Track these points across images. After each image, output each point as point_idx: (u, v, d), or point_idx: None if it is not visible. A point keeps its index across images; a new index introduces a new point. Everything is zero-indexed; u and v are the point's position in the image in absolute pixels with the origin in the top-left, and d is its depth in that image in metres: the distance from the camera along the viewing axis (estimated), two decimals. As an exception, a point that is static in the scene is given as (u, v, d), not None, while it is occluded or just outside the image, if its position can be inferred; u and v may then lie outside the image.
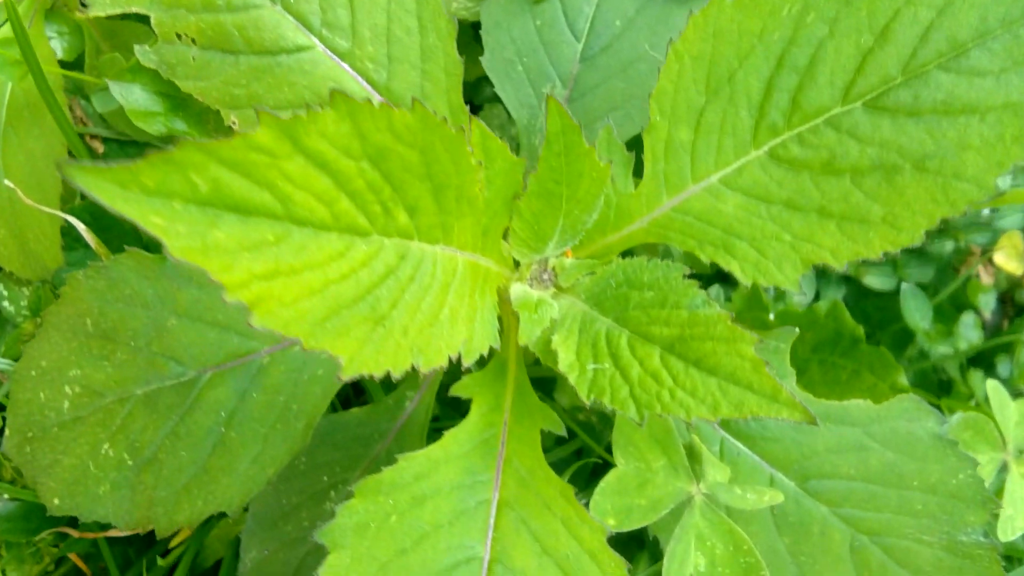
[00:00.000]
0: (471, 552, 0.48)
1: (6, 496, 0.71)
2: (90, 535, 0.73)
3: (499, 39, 0.69)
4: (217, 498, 0.57)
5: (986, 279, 1.11)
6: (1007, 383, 0.90)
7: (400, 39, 0.53)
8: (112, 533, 0.75)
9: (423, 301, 0.44)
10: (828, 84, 0.47)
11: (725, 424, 0.57)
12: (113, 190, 0.31)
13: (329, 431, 0.70)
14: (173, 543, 0.78)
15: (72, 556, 0.78)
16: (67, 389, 0.61)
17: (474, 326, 0.47)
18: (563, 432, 0.52)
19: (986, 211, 0.98)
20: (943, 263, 1.04)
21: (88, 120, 0.75)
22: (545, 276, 0.53)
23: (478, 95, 0.89)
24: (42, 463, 0.63)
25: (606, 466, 0.53)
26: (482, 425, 0.52)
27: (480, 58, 0.69)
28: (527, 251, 0.51)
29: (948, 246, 1.01)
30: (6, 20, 0.62)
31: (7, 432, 0.65)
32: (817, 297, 0.95)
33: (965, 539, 0.58)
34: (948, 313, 1.02)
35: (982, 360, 1.05)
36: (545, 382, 0.79)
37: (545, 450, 0.65)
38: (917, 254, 1.04)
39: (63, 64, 0.70)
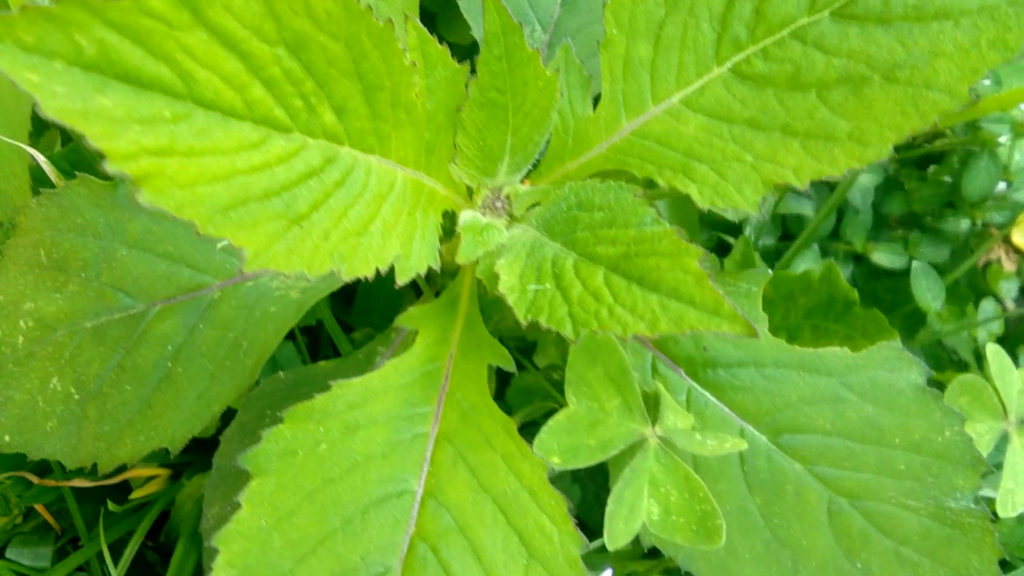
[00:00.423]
0: (404, 485, 0.45)
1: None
2: (51, 482, 0.72)
3: (477, -19, 0.67)
4: (160, 434, 0.55)
5: (1008, 266, 1.05)
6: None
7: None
8: (76, 483, 0.74)
9: (351, 209, 0.41)
10: (793, -8, 0.43)
11: (693, 373, 0.54)
12: (-18, 41, 0.29)
13: (296, 384, 0.67)
14: (139, 495, 0.77)
15: (39, 508, 0.76)
16: (21, 323, 0.60)
17: (412, 245, 0.44)
18: (513, 368, 0.49)
19: (1002, 185, 0.92)
20: (959, 244, 0.99)
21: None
22: (498, 204, 0.51)
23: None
24: (-3, 401, 0.61)
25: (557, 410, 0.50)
26: (426, 357, 0.49)
27: (459, 1, 0.67)
28: (477, 174, 0.49)
29: (964, 224, 0.96)
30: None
31: (-31, 373, 0.64)
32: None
33: (954, 505, 0.53)
34: (963, 295, 0.97)
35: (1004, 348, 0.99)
36: (525, 351, 0.77)
37: (513, 410, 0.62)
38: (931, 233, 0.99)
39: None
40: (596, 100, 0.50)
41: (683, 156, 0.47)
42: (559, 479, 0.77)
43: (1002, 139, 0.94)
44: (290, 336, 0.81)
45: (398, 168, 0.45)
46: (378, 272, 0.89)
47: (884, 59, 0.42)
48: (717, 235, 0.87)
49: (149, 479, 0.79)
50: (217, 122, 0.36)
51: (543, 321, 0.41)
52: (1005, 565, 0.75)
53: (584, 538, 0.43)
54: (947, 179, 0.98)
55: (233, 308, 0.57)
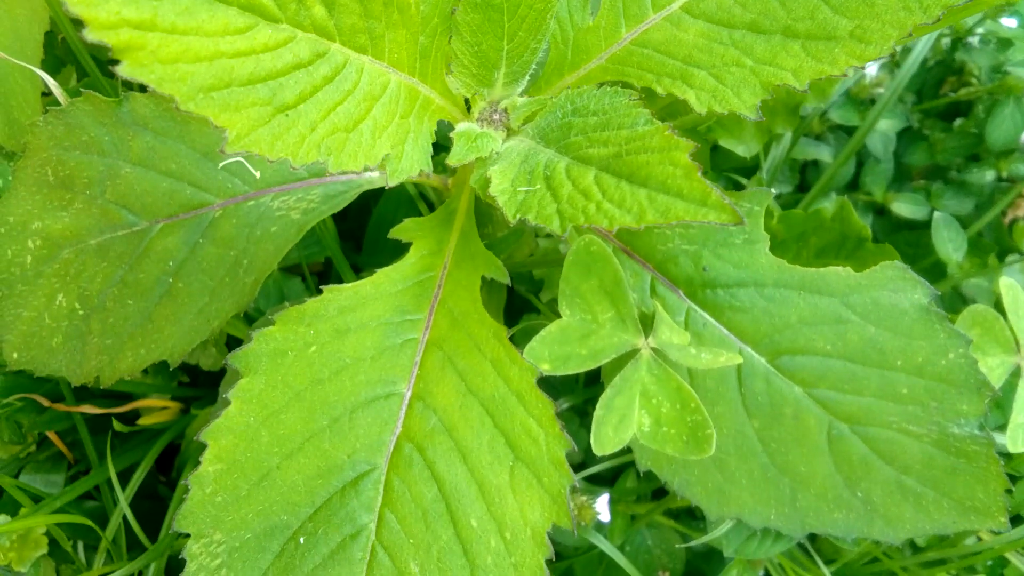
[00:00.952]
0: (392, 388, 0.45)
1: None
2: (61, 407, 0.73)
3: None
4: (160, 347, 0.56)
5: (1035, 223, 1.03)
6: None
7: None
8: (86, 408, 0.75)
9: (341, 106, 0.41)
10: None
11: (692, 294, 0.53)
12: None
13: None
14: (150, 421, 0.78)
15: (52, 436, 0.78)
16: (30, 243, 0.61)
17: (404, 147, 0.44)
18: (507, 279, 0.49)
19: (1027, 133, 0.90)
20: (983, 196, 0.96)
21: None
22: (496, 117, 0.50)
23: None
24: (6, 319, 0.62)
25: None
26: (420, 267, 0.49)
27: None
28: (474, 83, 0.48)
29: (988, 176, 0.94)
30: None
31: (-21, 295, 0.65)
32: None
33: (958, 432, 0.52)
34: (986, 248, 0.94)
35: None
36: (535, 291, 0.76)
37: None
38: (955, 185, 0.96)
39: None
40: (595, 11, 0.50)
41: (682, 63, 0.46)
42: (568, 422, 0.77)
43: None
44: (299, 274, 0.82)
45: (392, 71, 0.45)
46: (386, 215, 0.88)
47: (888, -47, 0.40)
48: (730, 176, 0.85)
49: (160, 411, 0.80)
50: (201, 3, 0.36)
51: (531, 219, 0.41)
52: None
53: (571, 440, 0.43)
54: (972, 130, 0.95)
55: (234, 227, 0.57)
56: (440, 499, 0.43)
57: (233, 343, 0.79)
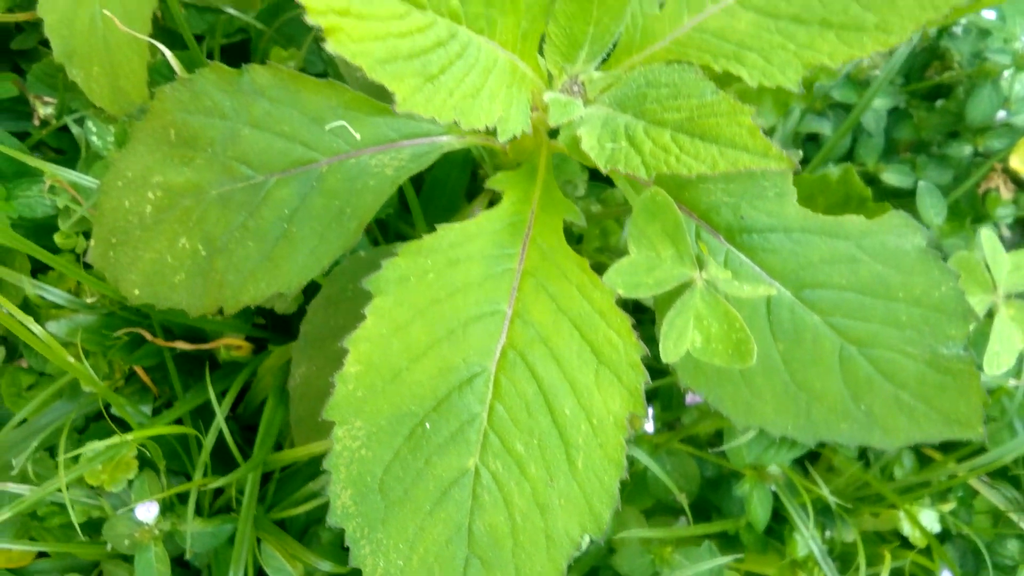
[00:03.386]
0: (496, 307, 0.56)
1: (89, 300, 0.81)
2: (162, 342, 0.82)
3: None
4: (279, 280, 0.65)
5: (1006, 193, 1.15)
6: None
7: None
8: (179, 344, 0.85)
9: (467, 76, 0.51)
10: (834, -94, 0.53)
11: (730, 237, 0.64)
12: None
13: (371, 260, 0.78)
14: (229, 357, 0.87)
15: (139, 370, 0.87)
16: (149, 194, 0.70)
17: (510, 110, 0.54)
18: (582, 222, 0.59)
19: (1002, 113, 1.02)
20: (961, 168, 1.08)
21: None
22: (575, 88, 0.60)
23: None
24: (124, 262, 0.71)
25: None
26: (512, 211, 0.59)
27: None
28: (560, 59, 0.58)
29: (966, 150, 1.06)
30: None
31: (92, 241, 0.74)
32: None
33: (946, 352, 0.64)
34: (963, 213, 1.07)
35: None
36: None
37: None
38: (936, 158, 1.08)
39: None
40: (663, 2, 0.60)
41: (736, 47, 0.56)
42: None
43: (1005, 75, 1.03)
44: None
45: (500, 50, 0.54)
46: (438, 178, 0.98)
47: (906, -39, 0.51)
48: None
49: (236, 350, 0.90)
50: (376, -7, 0.45)
51: (621, 168, 0.51)
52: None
53: (644, 347, 0.54)
54: (953, 110, 1.07)
55: (338, 180, 0.67)
56: (539, 394, 0.54)
57: (310, 289, 0.88)
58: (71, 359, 0.72)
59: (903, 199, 1.08)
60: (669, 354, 0.56)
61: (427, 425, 0.53)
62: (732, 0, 0.56)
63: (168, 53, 0.71)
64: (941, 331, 0.62)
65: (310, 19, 0.42)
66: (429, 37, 0.49)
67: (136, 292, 0.71)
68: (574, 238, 0.77)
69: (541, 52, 0.59)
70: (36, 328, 0.70)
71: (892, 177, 1.04)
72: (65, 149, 0.92)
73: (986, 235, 0.71)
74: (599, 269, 0.58)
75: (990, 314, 0.72)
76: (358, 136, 0.67)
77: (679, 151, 0.50)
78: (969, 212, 1.06)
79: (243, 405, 0.95)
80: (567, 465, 0.52)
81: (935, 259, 0.61)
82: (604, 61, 0.61)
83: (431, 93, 0.48)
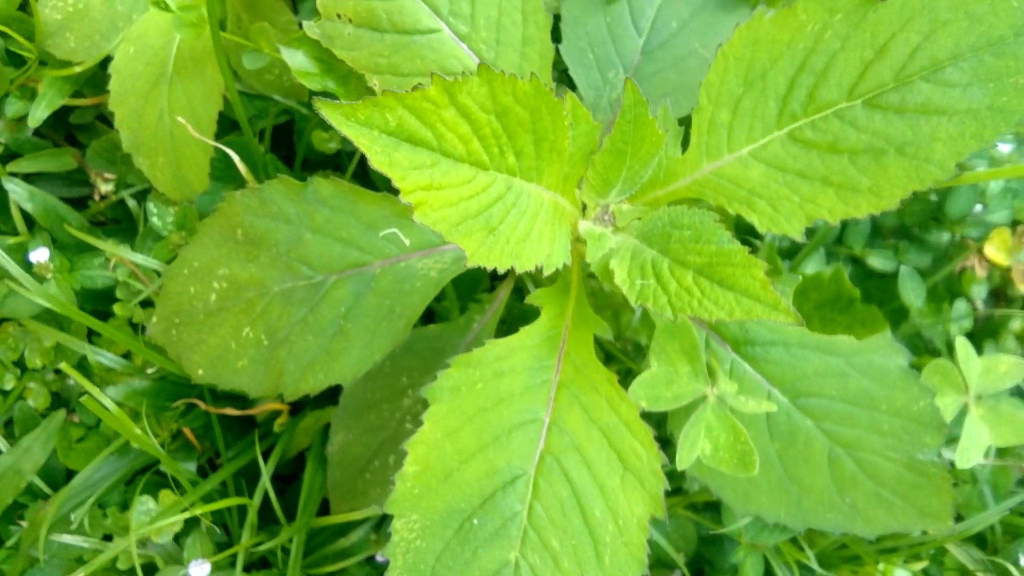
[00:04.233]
0: (535, 415, 0.64)
1: (150, 371, 0.88)
2: (213, 409, 0.90)
3: (575, 31, 0.84)
4: (335, 373, 0.73)
5: (980, 272, 1.25)
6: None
7: (507, 28, 0.68)
8: (228, 411, 0.92)
9: (520, 222, 0.59)
10: (837, 85, 0.61)
11: (736, 348, 0.72)
12: (340, 119, 0.47)
13: (411, 341, 0.86)
14: (275, 417, 0.95)
15: (186, 431, 0.94)
16: (215, 284, 0.78)
17: (553, 246, 0.63)
18: (610, 335, 0.68)
19: (979, 207, 1.11)
20: (940, 253, 1.18)
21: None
22: (606, 218, 0.69)
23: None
24: (188, 343, 0.79)
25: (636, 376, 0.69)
26: (549, 326, 0.67)
27: (558, 46, 0.84)
28: (595, 195, 0.66)
29: (944, 237, 1.15)
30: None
31: (155, 319, 0.81)
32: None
33: (922, 458, 0.73)
34: (941, 296, 1.16)
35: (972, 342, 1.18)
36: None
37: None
38: (917, 243, 1.18)
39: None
40: (684, 144, 0.68)
41: (748, 193, 0.65)
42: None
43: (979, 169, 1.13)
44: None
45: (545, 192, 0.63)
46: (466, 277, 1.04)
47: (898, 138, 0.60)
48: (744, 237, 1.05)
49: (276, 413, 0.97)
50: (452, 165, 0.54)
51: (649, 305, 0.59)
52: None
53: (665, 456, 0.62)
54: (933, 198, 1.17)
55: (390, 282, 0.75)
56: (572, 496, 0.62)
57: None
58: (136, 429, 0.79)
59: (887, 279, 1.17)
60: (683, 461, 0.64)
61: (475, 521, 0.61)
62: (746, 151, 0.65)
63: (237, 159, 0.79)
64: (918, 439, 0.71)
65: (403, 199, 0.50)
66: (491, 194, 0.57)
67: (200, 372, 0.78)
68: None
69: (579, 185, 0.67)
70: (99, 394, 0.77)
71: (877, 261, 1.13)
72: (120, 219, 0.99)
73: (960, 342, 0.80)
74: (609, 359, 0.66)
75: (962, 413, 0.81)
76: (407, 242, 0.75)
77: (701, 295, 0.58)
78: (946, 295, 1.15)
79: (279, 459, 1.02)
80: (596, 560, 0.60)
81: (915, 377, 0.70)
82: (633, 193, 0.70)
83: (491, 244, 0.56)
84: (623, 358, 0.81)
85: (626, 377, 0.80)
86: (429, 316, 1.01)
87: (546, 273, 0.62)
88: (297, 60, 0.68)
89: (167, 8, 0.73)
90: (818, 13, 0.60)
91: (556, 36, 0.87)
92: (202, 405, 0.87)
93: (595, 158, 0.63)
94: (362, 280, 0.75)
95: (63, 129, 1.06)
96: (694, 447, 0.65)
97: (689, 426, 0.65)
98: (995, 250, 1.14)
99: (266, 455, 1.01)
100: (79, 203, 1.02)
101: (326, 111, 0.46)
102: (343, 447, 0.88)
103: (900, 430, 0.71)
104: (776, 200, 0.64)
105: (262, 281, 0.76)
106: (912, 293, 1.12)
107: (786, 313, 0.55)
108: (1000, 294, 1.32)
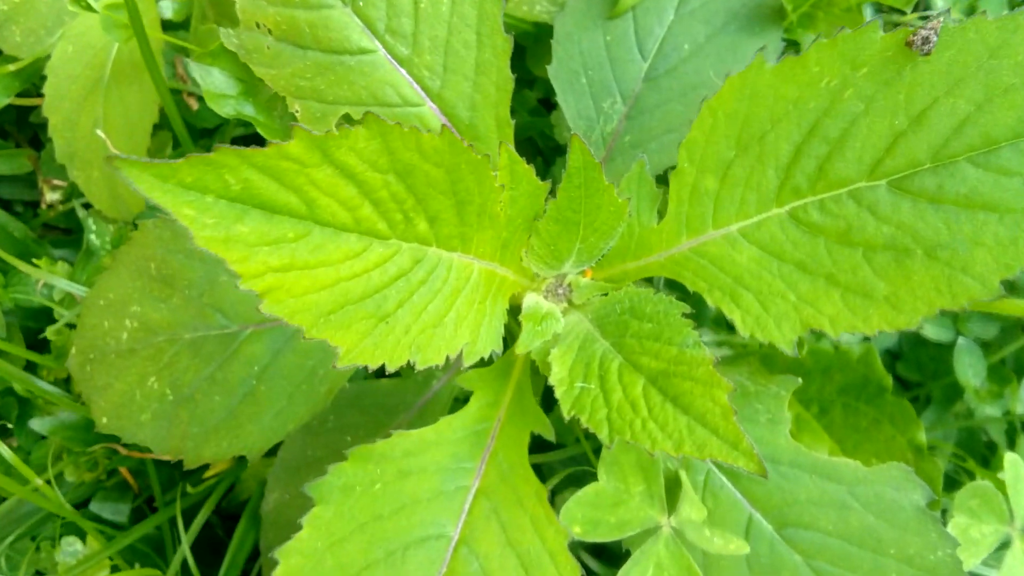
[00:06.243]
0: (442, 530, 0.52)
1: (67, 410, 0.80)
2: (136, 454, 0.81)
3: (568, 50, 0.71)
4: (241, 442, 0.63)
5: (1054, 349, 1.07)
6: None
7: (457, 51, 0.56)
8: (159, 456, 0.83)
9: (430, 304, 0.47)
10: (856, 158, 0.47)
11: (715, 459, 0.59)
12: (152, 182, 0.36)
13: (358, 396, 0.75)
14: (211, 473, 0.86)
15: (122, 470, 0.86)
16: (127, 322, 0.68)
17: (480, 331, 0.50)
18: (552, 438, 0.55)
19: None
20: (1010, 322, 1.00)
21: (188, 78, 0.81)
22: (560, 291, 0.56)
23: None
24: (97, 384, 0.70)
25: (594, 476, 0.56)
26: (477, 417, 0.55)
27: (547, 67, 0.71)
28: (544, 267, 0.54)
29: (1015, 308, 0.98)
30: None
31: (73, 351, 0.73)
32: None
33: (937, 617, 0.58)
34: (1005, 376, 0.99)
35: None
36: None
37: (541, 450, 0.68)
38: (982, 309, 1.01)
39: (171, 24, 0.76)
40: (661, 213, 0.55)
41: (733, 281, 0.51)
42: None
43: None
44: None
45: (476, 261, 0.51)
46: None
47: (929, 236, 0.46)
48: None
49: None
50: (329, 236, 0.42)
51: (584, 420, 0.47)
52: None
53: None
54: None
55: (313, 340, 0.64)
56: (475, 643, 0.50)
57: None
58: (39, 481, 0.71)
59: (942, 348, 1.01)
60: (621, 607, 0.52)
61: (350, 663, 0.50)
62: (735, 228, 0.52)
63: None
64: (934, 595, 0.57)
65: (243, 286, 0.38)
66: (388, 271, 0.45)
67: (104, 421, 0.69)
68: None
69: (526, 254, 0.55)
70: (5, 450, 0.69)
71: (931, 331, 0.97)
72: (72, 228, 0.91)
73: (1011, 459, 0.65)
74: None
75: (1004, 546, 0.66)
76: (339, 294, 0.64)
77: (647, 414, 0.45)
78: (1011, 376, 0.98)
79: (224, 500, 0.93)
80: None
81: (933, 521, 0.56)
82: (597, 262, 0.57)
83: (382, 336, 0.44)
84: (589, 451, 0.68)
85: (578, 482, 0.68)
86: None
87: (467, 364, 0.50)
88: (211, 79, 0.57)
89: (89, 8, 0.63)
90: (836, 66, 0.46)
91: (546, 55, 0.74)
92: (123, 451, 0.79)
93: (539, 226, 0.51)
94: (282, 335, 0.64)
95: (30, 129, 0.98)
96: (640, 588, 0.52)
97: (632, 564, 0.52)
98: (1072, 327, 0.97)
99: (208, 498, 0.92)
100: (36, 207, 0.95)
101: (126, 170, 0.35)
102: (278, 507, 0.78)
103: (911, 582, 0.57)
104: (766, 295, 0.50)
105: (172, 325, 0.66)
106: (970, 370, 0.96)
107: (748, 456, 0.42)
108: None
